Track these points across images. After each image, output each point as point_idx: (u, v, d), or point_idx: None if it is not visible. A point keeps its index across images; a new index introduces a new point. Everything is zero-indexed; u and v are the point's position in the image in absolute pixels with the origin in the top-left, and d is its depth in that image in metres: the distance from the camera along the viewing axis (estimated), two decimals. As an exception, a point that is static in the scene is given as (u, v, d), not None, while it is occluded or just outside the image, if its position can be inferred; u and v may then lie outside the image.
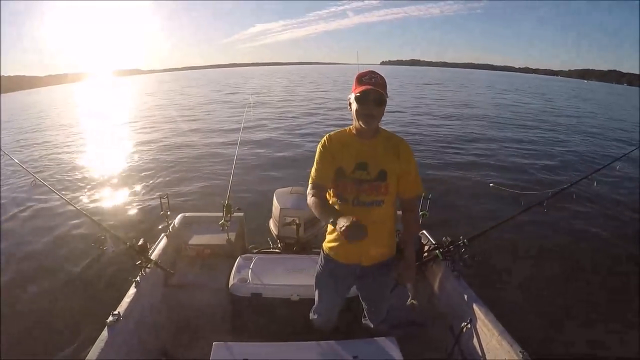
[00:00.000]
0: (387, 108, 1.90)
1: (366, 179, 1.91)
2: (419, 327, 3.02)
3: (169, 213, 3.38)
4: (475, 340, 2.34)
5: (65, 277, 4.62)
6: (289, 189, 3.72)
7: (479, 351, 2.29)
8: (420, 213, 3.15)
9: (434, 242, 3.14)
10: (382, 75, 1.88)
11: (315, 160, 2.00)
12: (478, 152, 11.22)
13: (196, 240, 3.43)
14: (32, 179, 2.97)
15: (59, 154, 11.99)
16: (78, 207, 2.91)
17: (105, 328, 2.14)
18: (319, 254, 2.24)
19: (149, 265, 2.76)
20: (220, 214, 3.40)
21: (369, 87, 1.81)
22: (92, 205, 7.15)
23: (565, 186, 3.04)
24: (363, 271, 2.09)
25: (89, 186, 8.35)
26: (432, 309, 2.97)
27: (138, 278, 2.64)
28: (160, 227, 3.76)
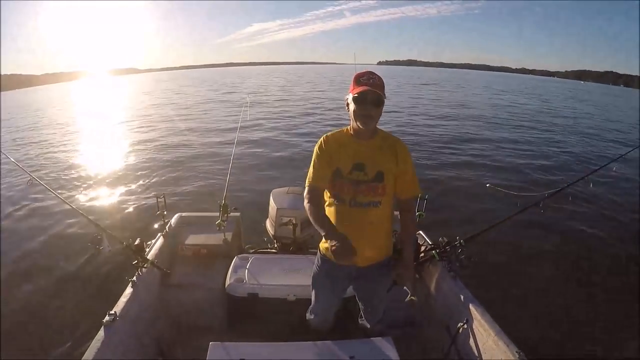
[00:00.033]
0: (383, 108, 1.90)
1: (363, 180, 1.91)
2: (415, 328, 3.03)
3: (165, 213, 3.37)
4: (471, 341, 2.34)
5: (61, 276, 4.61)
6: (286, 189, 3.72)
7: (476, 351, 2.29)
8: (417, 213, 3.14)
9: (430, 243, 3.13)
10: (380, 75, 1.89)
11: (312, 160, 2.00)
12: (474, 152, 11.24)
13: (193, 240, 3.41)
14: (29, 178, 2.95)
15: (55, 152, 11.96)
16: (74, 206, 2.90)
17: (102, 328, 2.13)
18: (315, 254, 2.25)
19: (145, 265, 2.75)
20: (217, 214, 3.38)
21: (367, 88, 1.81)
22: (88, 204, 7.13)
23: (562, 187, 3.05)
24: (359, 272, 2.09)
25: (85, 185, 8.33)
26: (428, 309, 2.97)
27: (134, 278, 2.63)
28: (156, 226, 3.75)
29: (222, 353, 2.02)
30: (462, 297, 2.55)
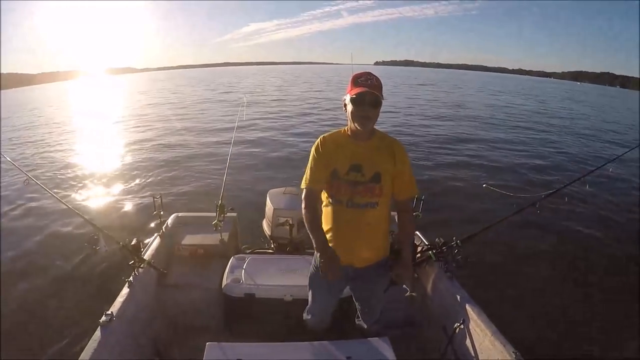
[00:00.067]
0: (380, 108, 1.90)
1: (360, 181, 1.91)
2: (412, 328, 3.03)
3: (162, 213, 3.37)
4: (468, 341, 2.35)
5: (58, 276, 4.59)
6: (282, 189, 3.72)
7: (472, 351, 2.29)
8: (414, 214, 3.15)
9: (427, 243, 3.14)
10: (377, 76, 1.88)
11: (309, 162, 2.00)
12: (471, 152, 11.26)
13: (189, 240, 3.41)
14: (25, 178, 2.94)
15: (52, 152, 11.90)
16: (71, 206, 2.89)
17: (98, 328, 2.13)
18: (312, 254, 2.24)
19: (142, 265, 2.75)
20: (214, 214, 3.39)
21: (365, 89, 1.80)
22: (84, 204, 7.10)
23: (558, 188, 3.06)
24: (356, 272, 2.09)
25: (81, 185, 8.29)
26: (425, 310, 2.98)
27: (131, 278, 2.63)
28: (152, 226, 3.74)
29: (218, 353, 2.02)
30: (458, 297, 2.56)
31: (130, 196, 7.48)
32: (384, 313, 2.45)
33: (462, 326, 2.41)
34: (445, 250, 2.83)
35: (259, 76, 75.99)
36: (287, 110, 20.36)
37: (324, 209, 2.05)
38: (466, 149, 11.64)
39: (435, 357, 2.61)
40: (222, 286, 2.80)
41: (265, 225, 3.65)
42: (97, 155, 11.05)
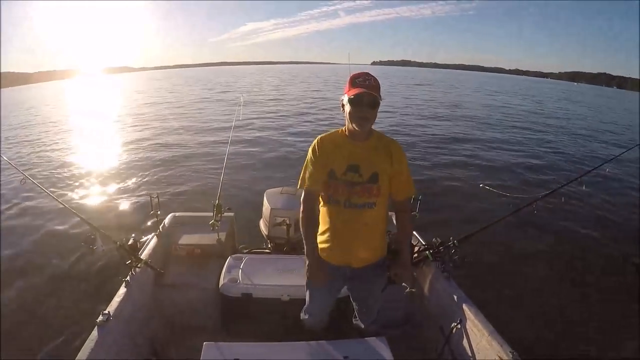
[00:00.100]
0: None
1: (358, 181, 1.91)
2: (409, 328, 3.03)
3: (159, 212, 3.37)
4: (465, 341, 2.35)
5: (55, 276, 4.58)
6: (280, 189, 3.72)
7: (469, 351, 2.30)
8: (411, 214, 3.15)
9: (424, 243, 3.13)
10: (375, 76, 1.88)
11: (307, 163, 2.00)
12: (468, 152, 11.27)
13: (186, 240, 3.40)
14: (22, 177, 2.93)
15: (48, 151, 11.85)
16: (67, 205, 2.88)
17: (95, 328, 2.13)
18: (309, 254, 2.24)
19: (139, 265, 2.74)
20: (211, 214, 3.38)
21: (363, 90, 1.79)
22: (81, 203, 7.09)
23: (555, 188, 3.06)
24: (354, 272, 2.09)
25: (78, 184, 8.27)
26: (422, 310, 2.98)
27: (128, 278, 2.62)
28: (150, 225, 3.73)
29: (215, 353, 2.02)
30: (455, 297, 2.56)
31: (127, 195, 7.46)
32: (381, 313, 2.45)
33: (459, 326, 2.41)
34: (442, 250, 2.83)
35: (257, 76, 75.90)
36: (284, 109, 20.37)
37: (321, 209, 2.05)
38: (463, 149, 11.65)
39: (432, 357, 2.61)
40: (219, 286, 2.79)
41: (262, 225, 3.65)
42: (94, 155, 11.02)
